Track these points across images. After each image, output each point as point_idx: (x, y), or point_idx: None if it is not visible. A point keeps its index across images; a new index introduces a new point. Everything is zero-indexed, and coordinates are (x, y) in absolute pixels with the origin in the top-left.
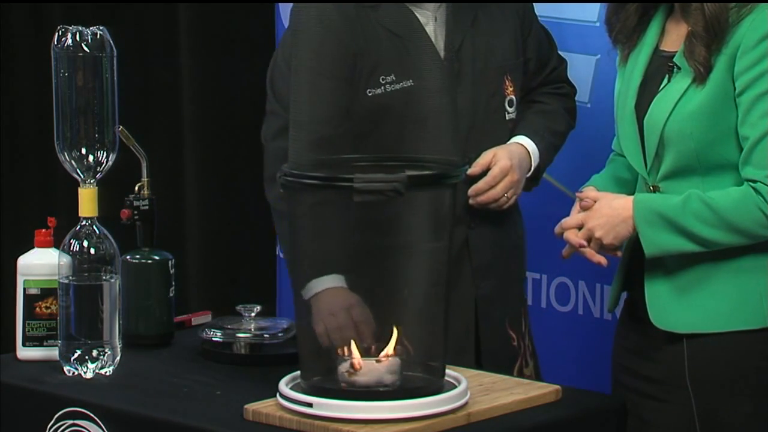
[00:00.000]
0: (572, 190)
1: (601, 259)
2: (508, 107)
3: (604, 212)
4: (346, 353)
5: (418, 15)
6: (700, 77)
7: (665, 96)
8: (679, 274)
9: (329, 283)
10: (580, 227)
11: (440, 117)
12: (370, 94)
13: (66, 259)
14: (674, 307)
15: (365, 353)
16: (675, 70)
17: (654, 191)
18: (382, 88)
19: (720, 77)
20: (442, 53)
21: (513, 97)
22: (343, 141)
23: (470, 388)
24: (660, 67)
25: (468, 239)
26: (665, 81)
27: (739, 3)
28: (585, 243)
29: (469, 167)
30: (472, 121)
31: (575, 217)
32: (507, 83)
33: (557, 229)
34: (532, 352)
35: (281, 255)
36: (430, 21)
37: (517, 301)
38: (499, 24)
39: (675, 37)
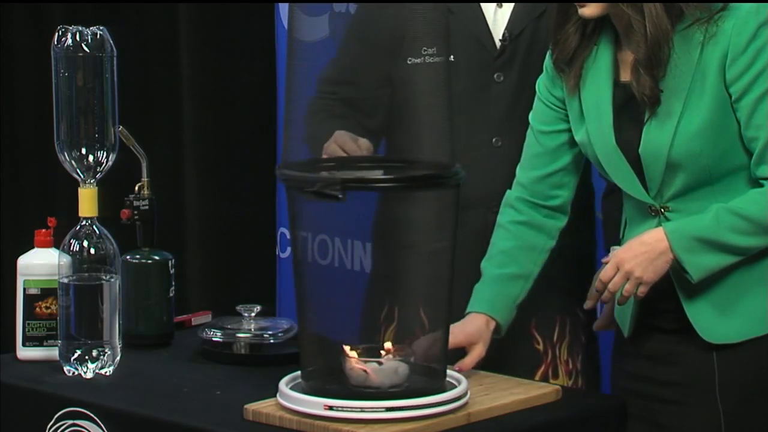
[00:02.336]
0: None
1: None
2: None
3: (637, 251)
4: (350, 355)
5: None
6: (650, 106)
7: (658, 122)
8: (715, 288)
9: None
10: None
11: (473, 99)
12: (409, 63)
13: (66, 259)
14: (720, 320)
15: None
16: (660, 95)
17: (663, 212)
18: (422, 58)
19: (715, 89)
20: (498, 36)
21: None
22: (378, 103)
23: (470, 388)
24: (631, 98)
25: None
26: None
27: (697, 21)
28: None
29: (463, 170)
30: (512, 106)
31: (608, 268)
32: None
33: (598, 284)
34: (572, 367)
35: (281, 255)
36: (492, 6)
37: (552, 306)
38: None
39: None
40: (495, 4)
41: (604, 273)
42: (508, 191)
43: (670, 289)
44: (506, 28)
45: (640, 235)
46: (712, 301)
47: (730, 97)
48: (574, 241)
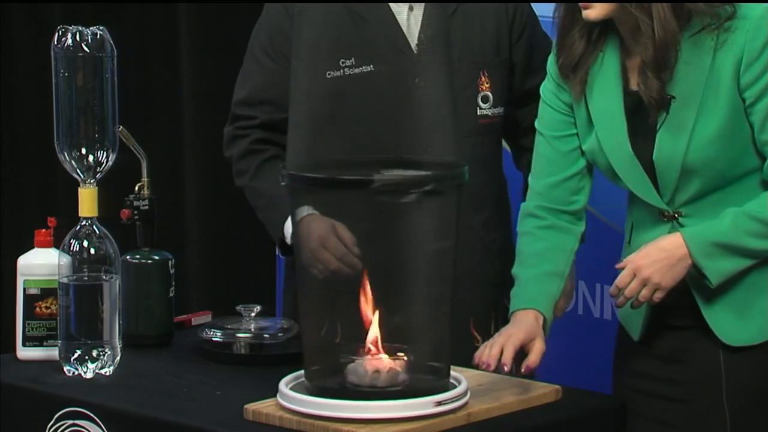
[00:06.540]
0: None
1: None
2: (481, 102)
3: (656, 257)
4: (352, 355)
5: (391, 3)
6: (657, 110)
7: (671, 129)
8: (731, 291)
9: (307, 211)
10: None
11: (402, 105)
12: (329, 76)
13: (66, 259)
14: (739, 323)
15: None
16: (672, 101)
17: (677, 217)
18: (342, 71)
19: (730, 95)
20: (414, 42)
21: (488, 93)
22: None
23: (470, 388)
24: (641, 106)
25: None
26: (663, 115)
27: (707, 27)
28: (646, 295)
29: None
30: (436, 110)
31: (624, 274)
32: (482, 78)
33: (613, 290)
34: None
35: (281, 255)
36: (404, 9)
37: (488, 304)
38: (480, 20)
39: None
40: (407, 8)
41: (621, 279)
42: (523, 204)
43: (684, 288)
44: (421, 31)
45: (657, 241)
46: (728, 304)
47: (744, 102)
48: (498, 234)
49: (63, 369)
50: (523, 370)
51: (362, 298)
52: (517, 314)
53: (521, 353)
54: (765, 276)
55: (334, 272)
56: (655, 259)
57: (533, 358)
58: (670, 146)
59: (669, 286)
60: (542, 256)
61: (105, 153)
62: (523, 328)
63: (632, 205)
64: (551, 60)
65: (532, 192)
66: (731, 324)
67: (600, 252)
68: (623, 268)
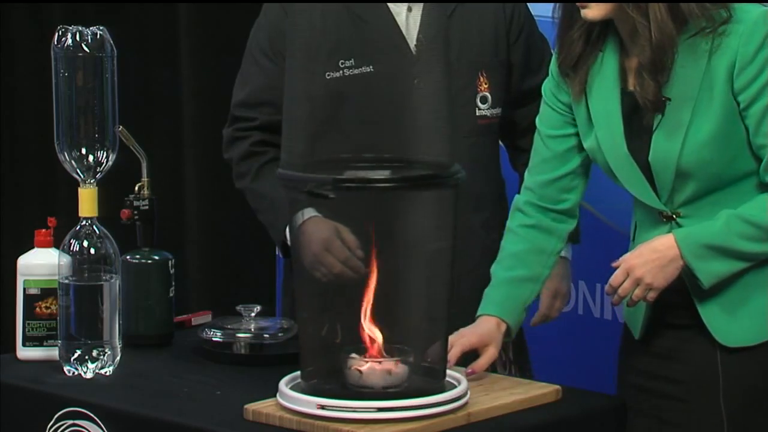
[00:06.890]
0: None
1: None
2: (480, 103)
3: (648, 257)
4: (348, 355)
5: (390, 3)
6: (653, 112)
7: (667, 131)
8: (726, 291)
9: (312, 212)
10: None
11: (402, 106)
12: (328, 77)
13: (66, 259)
14: (733, 323)
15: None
16: (667, 103)
17: (675, 217)
18: (341, 72)
19: (724, 98)
20: (413, 42)
21: (487, 93)
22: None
23: (470, 388)
24: (639, 107)
25: None
26: (659, 116)
27: (702, 31)
28: (639, 294)
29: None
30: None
31: (618, 273)
32: (481, 79)
33: (608, 288)
34: (504, 359)
35: (282, 257)
36: (403, 10)
37: None
38: (479, 21)
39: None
40: (406, 8)
41: (614, 278)
42: (516, 196)
43: (683, 287)
44: (420, 32)
45: (651, 241)
46: (723, 304)
47: (738, 105)
48: (498, 234)
49: (63, 369)
50: (468, 371)
51: (361, 299)
52: (481, 318)
53: (474, 355)
54: (760, 277)
55: (337, 276)
56: (647, 259)
57: (481, 362)
58: (664, 148)
59: (661, 287)
60: (519, 259)
61: (105, 153)
62: (479, 332)
63: (636, 204)
64: (553, 59)
65: (524, 187)
66: (726, 324)
67: (600, 252)
68: (618, 267)
